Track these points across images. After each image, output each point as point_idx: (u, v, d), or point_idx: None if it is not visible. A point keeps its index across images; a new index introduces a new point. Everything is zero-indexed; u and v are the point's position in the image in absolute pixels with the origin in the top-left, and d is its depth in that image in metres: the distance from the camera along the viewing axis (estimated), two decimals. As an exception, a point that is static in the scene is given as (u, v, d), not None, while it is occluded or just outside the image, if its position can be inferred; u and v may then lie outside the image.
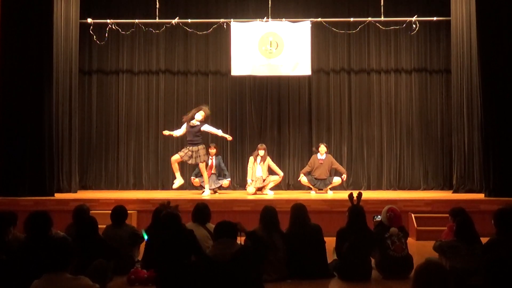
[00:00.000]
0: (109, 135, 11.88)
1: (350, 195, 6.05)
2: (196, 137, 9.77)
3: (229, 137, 10.20)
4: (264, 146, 10.51)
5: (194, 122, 9.77)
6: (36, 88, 9.41)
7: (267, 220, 5.63)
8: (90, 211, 6.33)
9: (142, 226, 7.19)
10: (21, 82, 9.35)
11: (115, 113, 11.87)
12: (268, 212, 5.71)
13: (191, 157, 9.72)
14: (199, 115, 9.81)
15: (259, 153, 10.33)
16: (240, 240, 4.74)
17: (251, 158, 10.46)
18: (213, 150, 10.43)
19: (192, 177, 10.44)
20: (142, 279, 5.28)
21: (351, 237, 5.58)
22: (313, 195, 10.19)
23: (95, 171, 11.77)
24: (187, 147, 9.79)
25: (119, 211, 6.10)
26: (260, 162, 10.33)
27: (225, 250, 4.39)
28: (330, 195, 10.13)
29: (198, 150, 9.71)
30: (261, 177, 10.27)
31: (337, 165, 10.59)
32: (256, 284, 4.58)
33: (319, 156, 10.50)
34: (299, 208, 5.87)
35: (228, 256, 4.35)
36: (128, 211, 8.37)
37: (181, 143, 11.76)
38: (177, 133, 10.06)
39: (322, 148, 10.52)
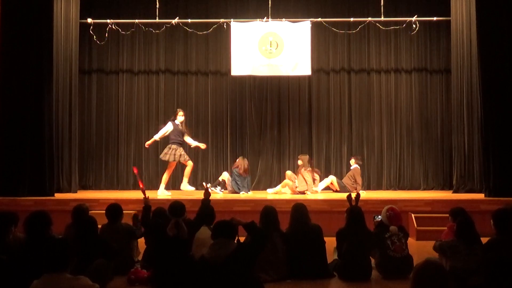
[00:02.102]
0: (109, 135, 11.88)
1: (349, 196, 6.07)
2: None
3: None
4: (302, 156, 10.60)
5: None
6: (36, 88, 9.41)
7: (267, 220, 5.63)
8: (90, 211, 6.33)
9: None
10: (21, 82, 9.35)
11: (115, 113, 11.87)
12: (268, 212, 5.71)
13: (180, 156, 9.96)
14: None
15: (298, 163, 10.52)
16: (239, 239, 4.72)
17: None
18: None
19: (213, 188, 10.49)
20: (142, 279, 5.28)
21: (350, 238, 5.58)
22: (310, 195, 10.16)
23: (95, 171, 11.76)
24: (177, 147, 10.00)
25: (113, 209, 6.07)
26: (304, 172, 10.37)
27: (221, 250, 4.38)
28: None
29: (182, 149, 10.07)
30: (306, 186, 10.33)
31: (358, 178, 10.73)
32: (255, 284, 4.57)
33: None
34: (299, 208, 5.88)
35: (224, 257, 4.33)
36: (128, 211, 8.40)
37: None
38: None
39: (352, 160, 10.94)
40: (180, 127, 10.12)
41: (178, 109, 10.35)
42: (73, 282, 3.56)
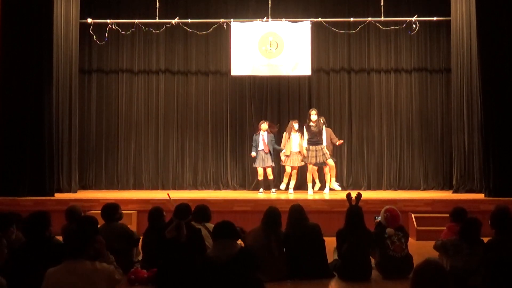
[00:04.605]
0: (109, 135, 11.87)
1: (348, 196, 6.04)
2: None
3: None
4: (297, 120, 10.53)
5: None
6: (36, 88, 9.41)
7: (269, 221, 5.64)
8: (90, 211, 6.32)
9: (142, 226, 7.19)
10: (21, 82, 9.35)
11: (115, 113, 11.87)
12: (271, 213, 5.71)
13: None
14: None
15: (293, 126, 10.38)
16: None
17: (285, 134, 10.47)
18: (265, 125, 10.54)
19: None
20: (142, 279, 5.28)
21: (350, 238, 5.58)
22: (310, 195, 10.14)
23: (95, 171, 11.75)
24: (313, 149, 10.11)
25: (107, 208, 6.03)
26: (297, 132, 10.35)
27: (224, 251, 4.38)
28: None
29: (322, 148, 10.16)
30: (298, 153, 10.26)
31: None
32: (256, 284, 4.57)
33: None
34: (295, 209, 5.89)
35: (228, 257, 4.34)
36: (128, 211, 8.41)
37: (180, 145, 11.79)
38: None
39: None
40: (313, 128, 10.11)
41: (310, 110, 10.42)
42: (92, 266, 3.65)
